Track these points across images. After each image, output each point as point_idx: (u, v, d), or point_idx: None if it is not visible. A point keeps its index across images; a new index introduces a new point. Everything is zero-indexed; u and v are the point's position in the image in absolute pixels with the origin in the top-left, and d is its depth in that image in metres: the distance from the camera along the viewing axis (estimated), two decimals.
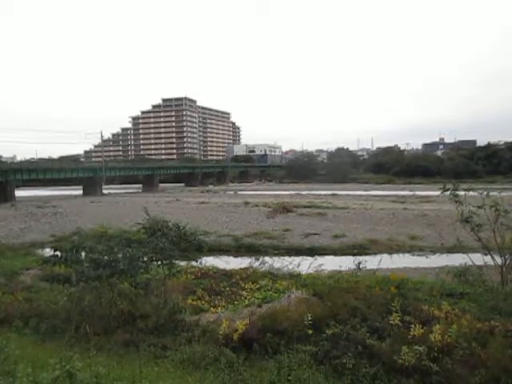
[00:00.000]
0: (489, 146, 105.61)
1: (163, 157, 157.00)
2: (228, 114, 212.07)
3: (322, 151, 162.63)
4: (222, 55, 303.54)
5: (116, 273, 8.60)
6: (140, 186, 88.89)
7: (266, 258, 14.78)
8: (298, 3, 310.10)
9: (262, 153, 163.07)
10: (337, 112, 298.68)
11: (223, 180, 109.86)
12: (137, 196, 66.56)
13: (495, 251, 10.48)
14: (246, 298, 10.00)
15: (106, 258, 8.78)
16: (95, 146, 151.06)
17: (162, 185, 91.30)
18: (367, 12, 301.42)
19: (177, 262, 10.58)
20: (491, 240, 10.53)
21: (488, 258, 10.78)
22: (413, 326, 6.73)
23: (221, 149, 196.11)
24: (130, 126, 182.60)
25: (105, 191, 74.99)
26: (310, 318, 7.10)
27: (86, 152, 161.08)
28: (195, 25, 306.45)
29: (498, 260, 10.40)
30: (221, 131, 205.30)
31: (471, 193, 10.94)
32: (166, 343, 7.30)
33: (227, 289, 11.07)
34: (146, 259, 9.25)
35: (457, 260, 12.46)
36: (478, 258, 11.32)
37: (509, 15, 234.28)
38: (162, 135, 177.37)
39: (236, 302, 9.65)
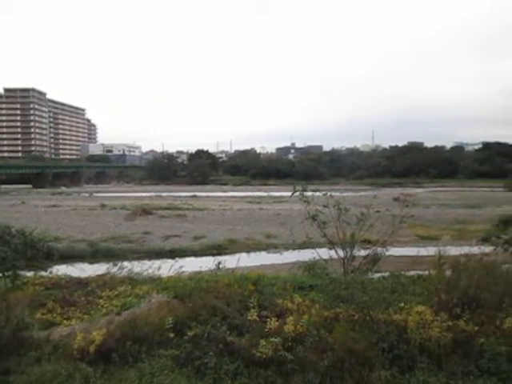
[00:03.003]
0: (333, 151, 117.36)
1: (5, 154, 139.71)
2: (83, 110, 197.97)
3: (182, 153, 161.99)
4: (77, 47, 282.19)
5: None
6: None
7: (125, 263, 14.17)
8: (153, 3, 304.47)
9: (121, 153, 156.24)
10: (197, 114, 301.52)
11: (77, 181, 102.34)
12: None
13: (338, 245, 11.75)
14: (103, 306, 9.44)
15: None
16: None
17: (3, 186, 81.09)
18: (227, 23, 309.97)
19: (23, 272, 9.53)
20: (335, 235, 11.78)
21: (333, 252, 12.01)
22: (269, 319, 7.13)
23: (75, 148, 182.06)
24: None
25: None
26: (171, 322, 7.04)
27: None
28: (43, 10, 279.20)
29: (341, 253, 11.68)
30: (75, 128, 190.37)
31: (318, 193, 12.10)
32: (9, 366, 6.48)
33: (82, 298, 10.32)
34: None
35: (307, 255, 13.56)
36: (324, 252, 12.50)
37: (335, 28, 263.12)
38: (4, 130, 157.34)
39: (92, 312, 9.05)
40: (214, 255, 19.23)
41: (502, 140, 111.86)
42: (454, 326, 6.80)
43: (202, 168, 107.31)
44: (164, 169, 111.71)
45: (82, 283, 12.24)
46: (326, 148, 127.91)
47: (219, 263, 12.29)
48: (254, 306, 7.64)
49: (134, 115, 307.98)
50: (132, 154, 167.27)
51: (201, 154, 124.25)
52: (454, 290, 7.67)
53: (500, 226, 14.07)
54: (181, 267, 14.19)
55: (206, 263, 14.88)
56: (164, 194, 62.24)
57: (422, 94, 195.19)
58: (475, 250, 10.94)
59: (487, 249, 12.20)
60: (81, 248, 21.71)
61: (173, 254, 20.91)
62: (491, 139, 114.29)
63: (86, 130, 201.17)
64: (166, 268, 14.37)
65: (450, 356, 6.44)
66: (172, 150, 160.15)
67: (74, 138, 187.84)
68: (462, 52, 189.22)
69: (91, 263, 19.53)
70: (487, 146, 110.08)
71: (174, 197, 57.23)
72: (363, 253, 12.01)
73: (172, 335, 6.92)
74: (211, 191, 69.97)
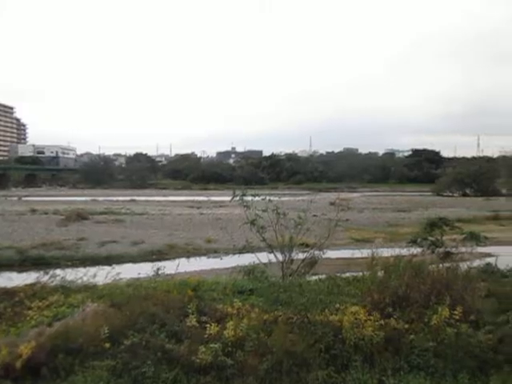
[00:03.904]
0: (272, 156, 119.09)
1: None
2: (11, 108, 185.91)
3: (120, 155, 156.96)
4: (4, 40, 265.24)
5: None
6: None
7: (58, 271, 13.48)
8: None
9: (53, 155, 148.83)
10: (136, 116, 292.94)
11: (4, 184, 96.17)
12: None
13: (277, 249, 11.95)
14: (32, 318, 8.92)
15: None
16: None
17: None
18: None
19: None
20: (274, 239, 11.97)
21: (272, 256, 12.18)
22: (209, 325, 7.10)
23: (1, 148, 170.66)
24: None
25: None
26: (106, 331, 6.80)
27: None
28: None
29: (280, 257, 11.88)
30: (2, 128, 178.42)
31: (257, 198, 12.25)
32: None
33: (8, 310, 9.68)
34: None
35: (247, 259, 13.65)
36: (264, 256, 12.64)
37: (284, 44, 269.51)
38: None
39: (20, 325, 8.53)
40: (153, 261, 18.80)
41: (429, 147, 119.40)
42: (386, 325, 7.13)
43: (141, 172, 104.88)
44: (100, 172, 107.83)
45: (8, 293, 11.48)
46: (266, 153, 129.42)
47: (158, 269, 12.06)
48: (193, 312, 7.57)
49: (68, 115, 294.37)
50: (66, 156, 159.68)
51: (140, 157, 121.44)
52: (386, 290, 8.05)
53: (427, 228, 14.94)
54: (118, 274, 13.74)
55: (144, 269, 14.51)
56: (100, 199, 59.97)
57: (356, 102, 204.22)
58: (405, 251, 11.55)
59: (416, 250, 12.90)
60: (8, 255, 20.37)
61: (110, 260, 20.19)
62: (419, 146, 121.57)
63: (14, 130, 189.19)
64: (102, 275, 13.83)
65: (383, 353, 6.75)
66: (109, 152, 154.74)
67: (1, 138, 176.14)
68: (390, 66, 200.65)
69: (20, 272, 18.37)
70: (416, 152, 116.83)
71: (112, 201, 55.39)
72: (301, 256, 12.29)
73: (108, 345, 6.68)
74: (150, 195, 68.44)
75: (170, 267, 13.00)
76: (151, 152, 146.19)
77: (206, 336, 6.84)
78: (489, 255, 19.09)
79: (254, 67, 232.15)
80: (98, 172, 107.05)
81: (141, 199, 59.11)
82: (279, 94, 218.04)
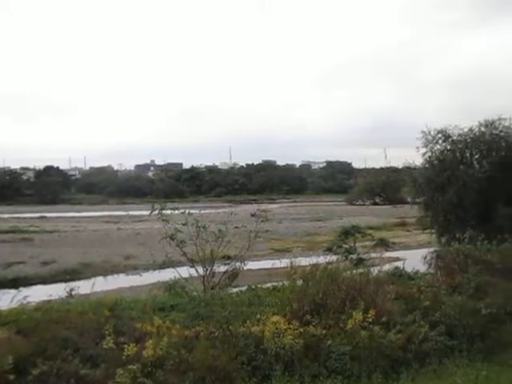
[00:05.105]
0: (193, 168, 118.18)
1: None
2: None
3: (27, 169, 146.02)
4: None
5: None
6: None
7: None
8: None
9: None
10: (45, 126, 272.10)
11: None
12: None
13: (198, 263, 11.84)
14: None
15: None
16: None
17: None
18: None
19: None
20: (195, 253, 11.85)
21: (193, 270, 12.04)
22: (127, 345, 6.81)
23: None
24: None
25: None
26: (11, 361, 6.23)
27: None
28: None
29: (201, 270, 11.78)
30: None
31: (176, 211, 12.10)
32: None
33: None
34: None
35: (167, 275, 13.37)
36: (185, 271, 12.46)
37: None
38: None
39: None
40: (66, 281, 17.68)
41: (341, 159, 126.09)
42: (305, 332, 7.35)
43: (52, 186, 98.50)
44: (5, 187, 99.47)
45: None
46: (186, 165, 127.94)
47: (72, 290, 11.36)
48: (110, 334, 7.22)
49: None
50: None
51: (50, 170, 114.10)
52: (305, 298, 8.30)
53: (341, 236, 15.73)
54: (25, 297, 12.73)
55: (56, 291, 13.62)
56: (5, 216, 55.35)
57: (274, 116, 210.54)
58: (321, 259, 12.02)
59: (331, 258, 13.48)
60: None
61: (16, 283, 18.70)
62: (333, 158, 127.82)
63: None
64: (6, 300, 12.75)
65: (302, 360, 6.94)
66: (15, 165, 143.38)
67: None
68: (308, 81, 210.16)
69: None
70: (330, 164, 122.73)
71: (19, 218, 51.39)
72: (223, 268, 12.29)
73: (12, 377, 6.13)
74: (63, 211, 64.48)
75: (85, 287, 12.33)
76: (64, 165, 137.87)
77: (124, 358, 6.55)
78: (397, 259, 20.52)
79: (173, 79, 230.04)
80: (2, 187, 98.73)
81: (52, 215, 55.54)
82: (196, 107, 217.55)
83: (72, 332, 7.45)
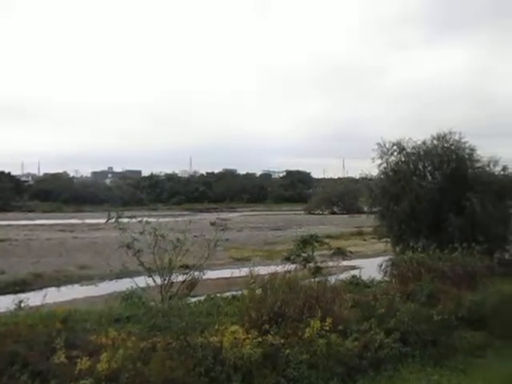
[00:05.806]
0: (152, 176, 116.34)
1: None
2: None
3: None
4: None
5: None
6: None
7: None
8: None
9: None
10: None
11: None
12: None
13: (156, 272, 11.60)
14: None
15: None
16: None
17: None
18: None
19: None
20: (153, 262, 11.61)
21: (151, 280, 11.78)
22: (80, 359, 6.56)
23: None
24: None
25: None
26: None
27: None
28: None
29: (159, 280, 11.55)
30: None
31: (134, 220, 11.82)
32: None
33: None
34: None
35: (124, 285, 13.02)
36: (143, 281, 12.18)
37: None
38: None
39: None
40: (15, 293, 16.86)
41: (301, 168, 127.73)
42: (264, 341, 7.34)
43: (3, 192, 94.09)
44: None
45: None
46: (145, 173, 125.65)
47: (21, 301, 10.86)
48: (62, 347, 6.94)
49: None
50: None
51: (1, 176, 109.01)
52: (263, 307, 8.31)
53: (300, 245, 15.87)
54: None
55: (4, 303, 12.99)
56: None
57: (235, 125, 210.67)
58: (280, 268, 12.08)
59: (290, 266, 13.57)
60: None
61: None
62: (292, 168, 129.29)
63: None
64: None
65: (261, 370, 6.92)
66: None
67: None
68: (270, 91, 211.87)
69: None
70: (289, 173, 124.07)
71: None
72: (181, 278, 12.11)
73: None
74: (14, 219, 61.62)
75: (35, 298, 11.81)
76: (16, 171, 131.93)
77: (76, 372, 6.30)
78: (354, 268, 20.95)
79: (133, 83, 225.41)
80: None
81: (2, 223, 52.96)
82: (157, 114, 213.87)
83: (20, 346, 7.11)
